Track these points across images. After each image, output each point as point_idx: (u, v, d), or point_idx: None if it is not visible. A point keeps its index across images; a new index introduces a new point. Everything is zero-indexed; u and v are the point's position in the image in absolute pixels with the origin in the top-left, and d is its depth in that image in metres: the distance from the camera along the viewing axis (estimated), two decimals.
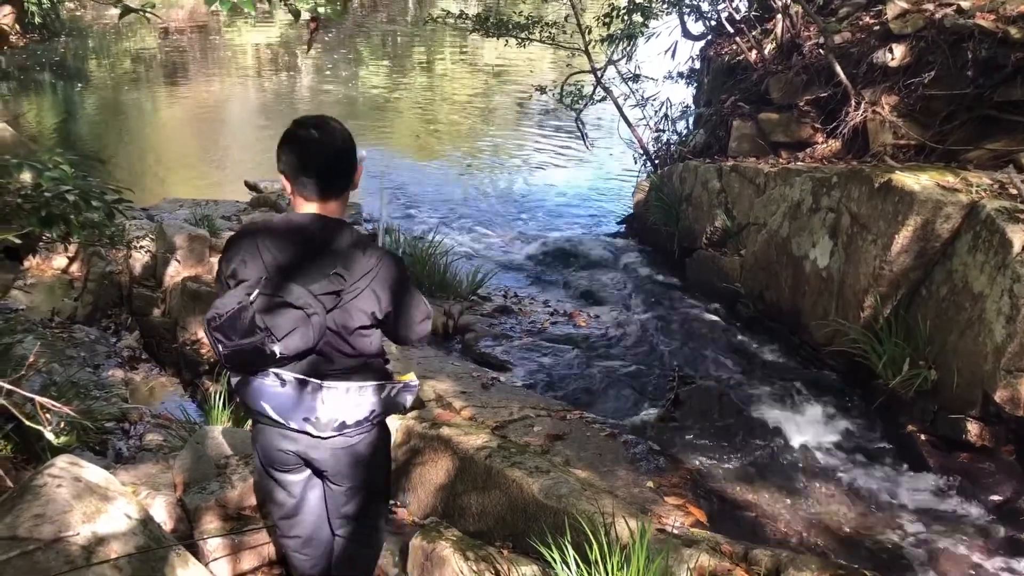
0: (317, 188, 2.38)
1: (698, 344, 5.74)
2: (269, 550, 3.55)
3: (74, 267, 7.56)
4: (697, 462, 4.36)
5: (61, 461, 2.91)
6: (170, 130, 15.73)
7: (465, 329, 5.96)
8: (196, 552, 3.47)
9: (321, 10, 2.45)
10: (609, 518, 3.46)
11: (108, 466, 4.45)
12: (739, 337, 5.83)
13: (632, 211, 8.83)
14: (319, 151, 2.37)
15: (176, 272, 6.93)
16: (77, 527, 2.60)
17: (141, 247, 6.91)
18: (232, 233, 2.49)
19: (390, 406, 2.54)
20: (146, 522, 2.87)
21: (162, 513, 3.62)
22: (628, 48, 8.83)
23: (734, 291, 6.35)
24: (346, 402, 2.41)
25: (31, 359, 5.75)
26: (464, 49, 21.36)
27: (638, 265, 7.63)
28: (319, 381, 2.37)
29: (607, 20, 8.38)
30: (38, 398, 2.01)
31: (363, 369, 2.47)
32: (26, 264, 7.35)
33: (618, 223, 9.19)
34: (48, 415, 3.80)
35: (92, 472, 2.95)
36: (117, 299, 7.33)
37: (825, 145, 6.70)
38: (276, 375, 2.36)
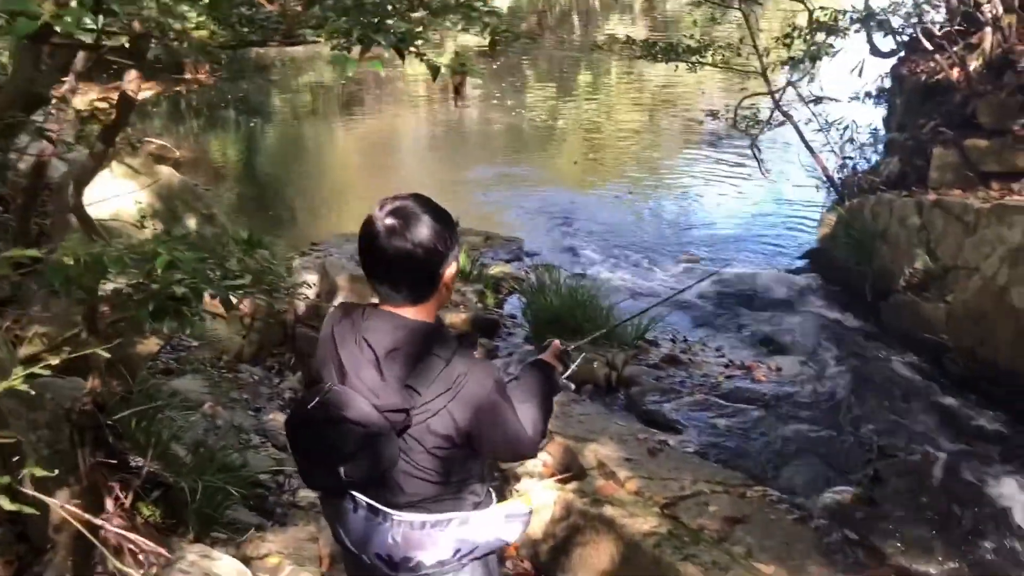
0: (385, 295, 1.97)
1: (898, 406, 5.05)
2: None
3: (243, 304, 7.68)
4: (904, 557, 3.73)
5: (191, 554, 2.72)
6: (342, 162, 16.18)
7: (629, 382, 5.52)
8: None
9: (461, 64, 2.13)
10: None
11: (261, 525, 4.34)
12: (947, 400, 5.09)
13: (816, 246, 8.10)
14: (385, 257, 1.91)
15: None
16: None
17: (302, 294, 6.88)
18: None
19: (484, 544, 2.05)
20: None
21: None
22: (810, 68, 8.13)
23: (938, 343, 5.59)
24: (422, 539, 1.96)
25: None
26: (631, 72, 20.91)
27: (824, 308, 6.92)
28: (390, 511, 1.93)
29: (787, 42, 7.74)
30: (147, 543, 1.75)
31: (443, 498, 2.00)
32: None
33: (799, 258, 8.47)
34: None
35: (223, 565, 2.74)
36: (282, 338, 7.36)
37: None
38: (351, 497, 1.95)
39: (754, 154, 9.17)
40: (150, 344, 5.29)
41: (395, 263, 1.91)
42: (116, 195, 5.31)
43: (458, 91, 2.52)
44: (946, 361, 5.53)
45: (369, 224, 1.93)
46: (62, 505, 2.58)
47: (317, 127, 18.50)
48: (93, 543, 3.15)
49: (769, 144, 10.74)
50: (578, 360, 2.65)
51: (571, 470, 4.42)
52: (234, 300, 2.82)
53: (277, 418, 6.17)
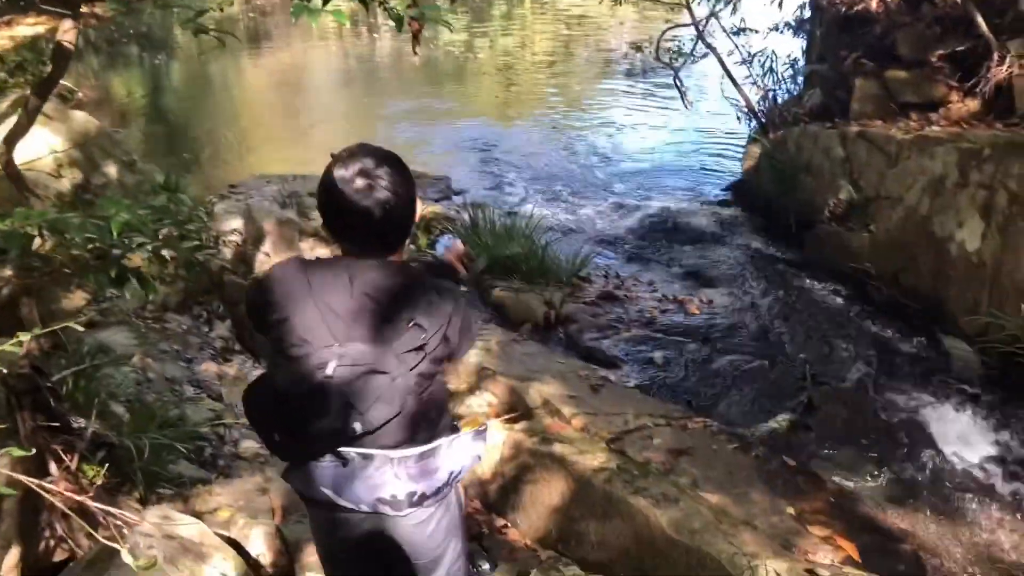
0: (358, 249, 1.94)
1: (826, 334, 5.23)
2: None
3: (165, 252, 7.43)
4: (840, 481, 3.91)
5: (152, 516, 2.67)
6: (254, 101, 15.65)
7: (568, 320, 5.57)
8: None
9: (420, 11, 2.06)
10: (752, 559, 3.08)
11: (205, 479, 4.28)
12: (872, 327, 5.28)
13: (740, 178, 8.24)
14: (360, 219, 1.89)
15: (265, 259, 6.71)
16: None
17: (230, 240, 6.69)
18: (262, 280, 2.01)
19: (467, 461, 2.11)
20: None
21: (261, 545, 3.37)
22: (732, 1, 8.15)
23: (863, 271, 5.79)
24: (421, 470, 2.00)
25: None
26: (544, 2, 20.67)
27: (750, 239, 7.07)
28: (387, 453, 1.95)
29: None
30: (113, 509, 1.71)
31: (434, 425, 2.06)
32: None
33: (723, 190, 8.60)
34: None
35: (185, 527, 2.70)
36: (209, 286, 7.17)
37: (962, 105, 6.03)
38: (335, 454, 1.94)
39: (677, 86, 9.19)
40: (76, 299, 5.11)
41: (371, 223, 1.90)
42: (27, 142, 5.01)
43: (416, 38, 2.44)
44: (870, 289, 5.73)
45: (335, 188, 1.88)
46: (9, 474, 2.49)
47: (225, 62, 17.78)
48: (39, 509, 3.07)
49: (690, 77, 10.82)
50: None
51: (517, 410, 4.46)
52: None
53: (209, 368, 6.06)
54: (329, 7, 2.04)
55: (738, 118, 8.90)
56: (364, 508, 1.99)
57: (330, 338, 1.86)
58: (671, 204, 8.29)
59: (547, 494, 3.77)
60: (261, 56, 18.04)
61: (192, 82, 16.64)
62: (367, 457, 1.94)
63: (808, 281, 6.08)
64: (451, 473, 2.06)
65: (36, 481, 1.82)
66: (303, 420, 1.88)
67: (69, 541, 3.12)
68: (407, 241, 2.06)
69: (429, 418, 2.03)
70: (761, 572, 3.03)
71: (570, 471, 3.72)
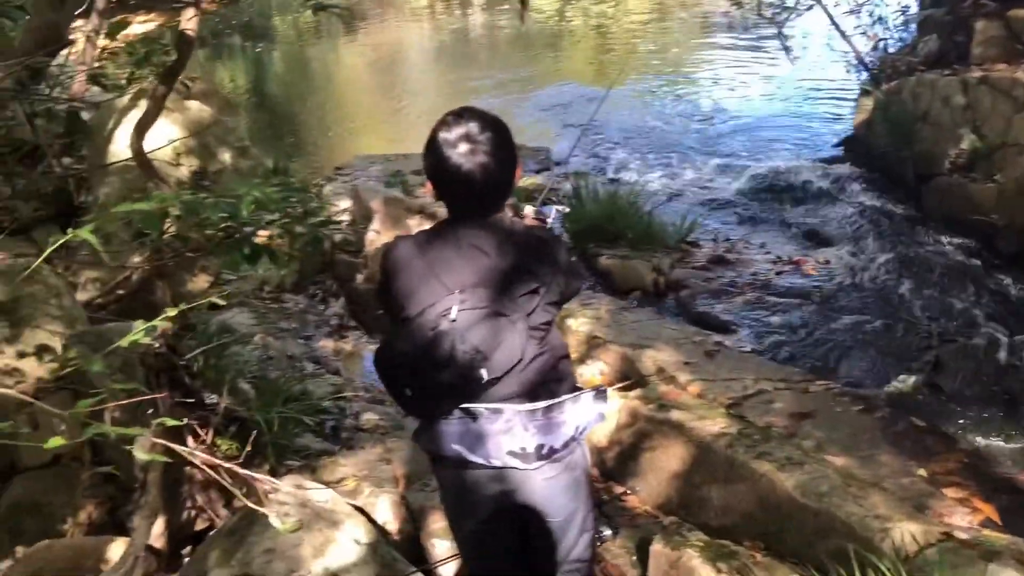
0: (467, 209, 2.07)
1: (952, 291, 5.01)
2: None
3: (296, 228, 7.66)
4: (974, 441, 3.75)
5: (287, 484, 2.77)
6: (353, 82, 15.91)
7: (678, 286, 5.49)
8: (423, 551, 3.31)
9: None
10: (884, 522, 2.99)
11: (329, 450, 4.42)
12: (1002, 278, 5.03)
13: (852, 133, 7.93)
14: (465, 174, 1.99)
15: (375, 237, 6.84)
16: (308, 563, 2.43)
17: (340, 221, 6.82)
18: (385, 251, 2.18)
19: (592, 418, 2.16)
20: (376, 547, 2.69)
21: (387, 513, 3.47)
22: None
23: (988, 224, 5.51)
24: (548, 423, 2.06)
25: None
26: None
27: (866, 196, 6.79)
28: (514, 406, 2.03)
29: None
30: (259, 476, 1.79)
31: (557, 380, 2.13)
32: None
33: (835, 147, 8.29)
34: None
35: (318, 494, 2.80)
36: (322, 266, 7.37)
37: None
38: (463, 411, 2.04)
39: (781, 42, 8.91)
40: (200, 282, 5.32)
41: (473, 186, 2.00)
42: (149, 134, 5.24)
43: (524, 5, 2.44)
44: (997, 241, 5.45)
45: (440, 151, 2.00)
46: (153, 441, 2.62)
47: (322, 47, 18.14)
48: (180, 482, 3.24)
49: (794, 31, 10.45)
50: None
51: (630, 378, 4.44)
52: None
53: (327, 344, 6.24)
54: None
55: (847, 71, 8.57)
56: (494, 463, 2.06)
57: (447, 289, 1.96)
58: (779, 163, 8.03)
59: (666, 460, 3.75)
60: (357, 38, 18.30)
61: (292, 68, 17.03)
62: (496, 411, 2.02)
63: (929, 236, 5.83)
64: (577, 428, 2.12)
65: (185, 448, 1.91)
66: (432, 368, 1.95)
67: (208, 511, 3.29)
68: (507, 202, 2.14)
69: (550, 371, 2.10)
70: (895, 535, 2.93)
71: (690, 437, 3.68)
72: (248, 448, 3.67)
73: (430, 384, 1.98)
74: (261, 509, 1.67)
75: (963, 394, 4.07)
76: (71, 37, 5.31)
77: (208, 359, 3.65)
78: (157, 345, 3.14)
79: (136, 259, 3.98)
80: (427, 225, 6.65)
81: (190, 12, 2.49)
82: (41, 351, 3.48)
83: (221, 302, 6.40)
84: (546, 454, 2.08)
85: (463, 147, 1.98)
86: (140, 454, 1.63)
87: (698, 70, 12.22)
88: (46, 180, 4.46)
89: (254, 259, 2.09)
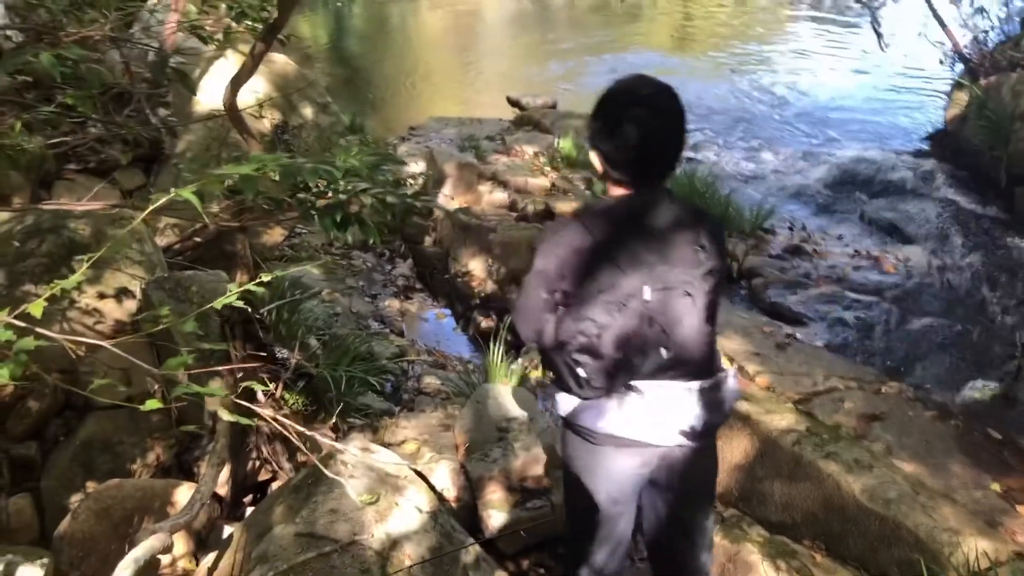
0: (642, 175, 2.01)
1: None
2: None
3: (389, 198, 7.70)
4: None
5: (354, 446, 2.79)
6: (432, 42, 15.87)
7: (751, 273, 5.37)
8: (480, 521, 3.32)
9: None
10: (953, 535, 2.90)
11: (390, 410, 4.45)
12: None
13: (943, 127, 7.64)
14: (657, 142, 1.97)
15: (446, 201, 6.84)
16: (371, 527, 2.45)
17: (414, 182, 6.83)
18: (550, 231, 2.13)
19: (735, 399, 2.19)
20: (436, 515, 2.70)
21: (446, 480, 3.48)
22: None
23: None
24: (712, 401, 2.09)
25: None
26: None
27: (953, 193, 6.55)
28: (684, 384, 2.05)
29: None
30: (325, 440, 1.79)
31: (713, 359, 2.15)
32: None
33: (923, 140, 8.01)
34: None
35: (382, 457, 2.82)
36: (393, 225, 7.39)
37: None
38: (628, 387, 2.04)
39: (874, 27, 8.63)
40: (275, 234, 5.39)
41: (675, 144, 2.01)
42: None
43: None
44: None
45: (636, 113, 1.95)
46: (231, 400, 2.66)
47: (403, 5, 18.11)
48: (247, 432, 3.29)
49: (888, 17, 10.09)
50: None
51: None
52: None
53: (392, 304, 6.28)
54: None
55: (941, 62, 8.24)
56: (663, 442, 2.07)
57: (631, 272, 1.95)
58: (864, 153, 7.79)
59: (730, 452, 3.69)
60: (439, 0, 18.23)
61: (373, 25, 17.05)
62: (669, 389, 2.03)
63: (1019, 241, 5.61)
64: (727, 406, 2.15)
65: (256, 411, 1.93)
66: (615, 347, 1.97)
67: (272, 463, 3.34)
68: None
69: (712, 347, 2.13)
70: (965, 549, 2.85)
71: (755, 430, 3.62)
72: (311, 405, 3.76)
73: (608, 363, 1.99)
74: (337, 477, 1.67)
75: None
76: None
77: (280, 313, 3.69)
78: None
79: (216, 210, 4.04)
80: (498, 193, 6.59)
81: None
82: (121, 294, 3.56)
83: (290, 253, 6.51)
84: (710, 431, 2.13)
85: (643, 112, 1.96)
86: (224, 414, 1.63)
87: (784, 49, 11.90)
88: (132, 124, 4.53)
89: (344, 226, 2.08)
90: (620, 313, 1.94)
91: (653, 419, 2.05)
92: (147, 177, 5.17)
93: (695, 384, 2.05)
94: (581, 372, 2.02)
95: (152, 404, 1.52)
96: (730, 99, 10.07)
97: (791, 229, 6.30)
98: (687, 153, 8.15)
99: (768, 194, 6.87)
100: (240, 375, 3.18)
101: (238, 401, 1.94)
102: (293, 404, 3.69)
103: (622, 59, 11.79)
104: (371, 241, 6.60)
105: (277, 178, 1.63)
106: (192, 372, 1.77)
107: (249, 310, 3.22)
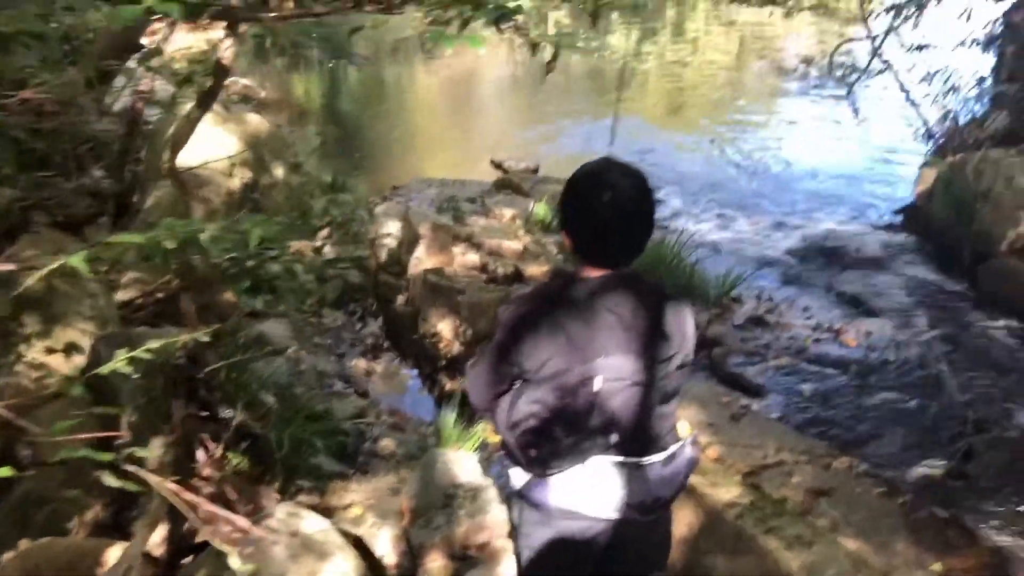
0: (610, 258, 2.05)
1: (995, 376, 4.85)
2: None
3: (327, 249, 7.77)
4: (998, 538, 3.60)
5: (281, 512, 2.78)
6: (423, 105, 16.09)
7: (713, 343, 5.40)
8: None
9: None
10: None
11: (344, 473, 4.43)
12: None
13: (913, 202, 7.76)
14: (615, 221, 2.00)
15: (419, 261, 6.89)
16: None
17: (385, 243, 6.87)
18: (512, 305, 2.14)
19: (693, 467, 2.21)
20: None
21: (387, 546, 3.47)
22: (913, 15, 7.71)
23: None
24: (665, 475, 2.10)
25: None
26: (718, 15, 20.16)
27: (919, 269, 6.63)
28: (637, 460, 2.06)
29: None
30: (229, 515, 1.79)
31: (667, 434, 2.15)
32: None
33: (894, 214, 8.12)
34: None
35: (311, 523, 2.80)
36: (364, 285, 7.43)
37: None
38: (584, 464, 2.06)
39: (850, 103, 8.82)
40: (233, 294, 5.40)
41: (641, 228, 2.04)
42: (205, 142, 5.38)
43: (552, 62, 2.47)
44: None
45: (594, 199, 1.99)
46: (160, 480, 2.65)
47: (397, 67, 18.39)
48: (188, 489, 3.26)
49: (866, 93, 10.33)
50: None
51: None
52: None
53: (359, 364, 6.28)
54: (467, 33, 2.09)
55: (914, 138, 8.41)
56: (612, 516, 2.08)
57: (584, 358, 1.96)
58: (835, 226, 7.91)
59: (676, 525, 3.65)
60: (434, 64, 18.53)
61: (367, 86, 17.27)
62: (618, 465, 2.04)
63: (980, 318, 5.67)
64: (685, 477, 2.18)
65: (173, 487, 1.93)
66: (564, 432, 2.00)
67: (211, 525, 3.30)
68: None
69: (668, 422, 2.13)
70: None
71: (700, 503, 3.61)
72: (257, 466, 3.73)
73: (558, 446, 2.03)
74: (225, 547, 1.67)
75: (993, 488, 3.92)
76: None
77: (230, 372, 3.69)
78: (178, 355, 3.19)
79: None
80: (471, 255, 6.65)
81: (228, 41, 2.55)
82: (70, 348, 3.57)
83: (260, 308, 6.51)
84: (663, 505, 2.14)
85: (631, 190, 2.00)
86: (108, 479, 1.63)
87: (764, 124, 12.10)
88: (103, 180, 4.58)
89: (254, 292, 2.11)
90: (571, 398, 1.98)
91: (603, 494, 2.06)
92: (113, 232, 5.20)
93: (646, 459, 2.06)
94: (532, 452, 2.06)
95: (4, 472, 1.52)
96: (707, 168, 10.22)
97: (758, 299, 6.34)
98: (665, 221, 8.31)
99: (738, 264, 6.92)
100: (177, 435, 3.17)
101: (127, 467, 1.93)
102: (238, 464, 3.66)
103: (604, 125, 11.99)
104: (325, 295, 6.60)
105: (172, 246, 1.67)
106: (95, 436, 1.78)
107: (193, 369, 3.22)
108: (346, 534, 3.28)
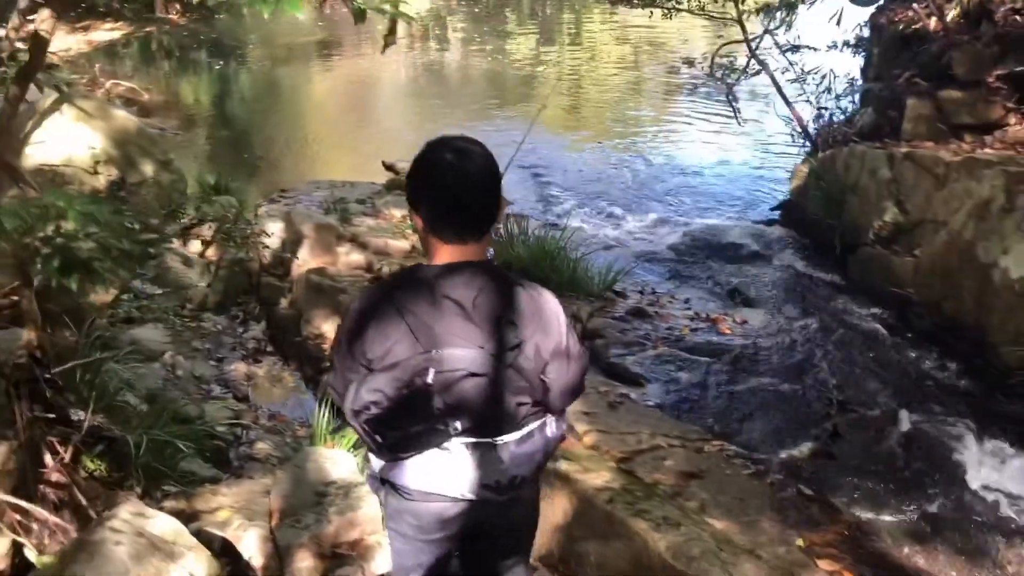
0: (459, 228, 1.99)
1: (861, 360, 5.03)
2: None
3: (210, 252, 7.54)
4: (858, 512, 3.74)
5: (125, 511, 2.66)
6: (315, 107, 15.87)
7: (594, 334, 5.45)
8: None
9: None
10: None
11: (216, 477, 4.29)
12: (910, 353, 5.07)
13: (789, 198, 8.02)
14: (461, 184, 1.98)
15: (303, 262, 6.75)
16: None
17: (266, 245, 6.72)
18: (358, 298, 2.11)
19: (554, 444, 2.18)
20: None
21: (253, 548, 3.35)
22: (787, 17, 7.97)
23: (905, 297, 5.57)
24: (520, 455, 2.06)
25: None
26: (614, 17, 20.46)
27: (793, 261, 6.86)
28: (489, 440, 2.02)
29: None
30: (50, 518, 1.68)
31: (532, 413, 2.09)
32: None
33: (772, 210, 8.39)
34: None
35: (159, 523, 2.68)
36: (247, 287, 7.25)
37: (1019, 128, 5.78)
38: (438, 447, 2.02)
39: (730, 103, 9.05)
40: (105, 294, 5.18)
41: (476, 190, 1.98)
42: (67, 139, 5.15)
43: (390, 33, 2.43)
44: (912, 316, 5.50)
45: (438, 161, 1.98)
46: None
47: (292, 70, 18.08)
48: (32, 499, 3.10)
49: (747, 94, 10.63)
50: None
51: None
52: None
53: (239, 368, 6.11)
54: None
55: (792, 138, 8.69)
56: (468, 496, 2.05)
57: (421, 346, 1.92)
58: (717, 221, 8.13)
59: (551, 512, 3.67)
60: (330, 65, 18.28)
61: (259, 89, 16.92)
62: (470, 446, 2.00)
63: (849, 305, 5.88)
64: (546, 454, 2.14)
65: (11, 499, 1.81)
66: (404, 421, 1.95)
67: (58, 533, 3.14)
68: (491, 231, 2.09)
69: (524, 407, 2.05)
70: None
71: (574, 489, 3.63)
72: (117, 471, 3.57)
73: (401, 434, 1.98)
74: (22, 540, 1.56)
75: (856, 465, 4.06)
76: None
77: (84, 373, 3.52)
78: (19, 356, 3.01)
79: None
80: (356, 255, 6.57)
81: (46, 12, 2.42)
82: None
83: (135, 313, 6.28)
84: (519, 484, 2.09)
85: (453, 154, 1.98)
86: None
87: (652, 126, 12.38)
88: None
89: (67, 271, 2.00)
90: (407, 389, 1.92)
91: (457, 475, 2.03)
92: None
93: (500, 439, 2.02)
94: (378, 439, 2.00)
95: None
96: (600, 172, 10.37)
97: (641, 292, 6.45)
98: (555, 219, 8.40)
99: (623, 258, 7.02)
100: (22, 439, 3.00)
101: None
102: (95, 470, 3.50)
103: (502, 134, 12.06)
104: (206, 299, 6.40)
105: None
106: None
107: (37, 370, 3.05)
108: (208, 536, 3.18)
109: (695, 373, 4.97)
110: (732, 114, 9.18)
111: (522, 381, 2.00)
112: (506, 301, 1.99)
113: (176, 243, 7.24)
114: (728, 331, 5.54)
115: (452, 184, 1.97)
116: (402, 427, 1.97)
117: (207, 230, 7.28)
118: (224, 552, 3.40)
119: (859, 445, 4.18)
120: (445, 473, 2.03)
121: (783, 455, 4.17)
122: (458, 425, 1.97)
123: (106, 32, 17.97)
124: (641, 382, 4.91)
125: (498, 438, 2.03)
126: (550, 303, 2.08)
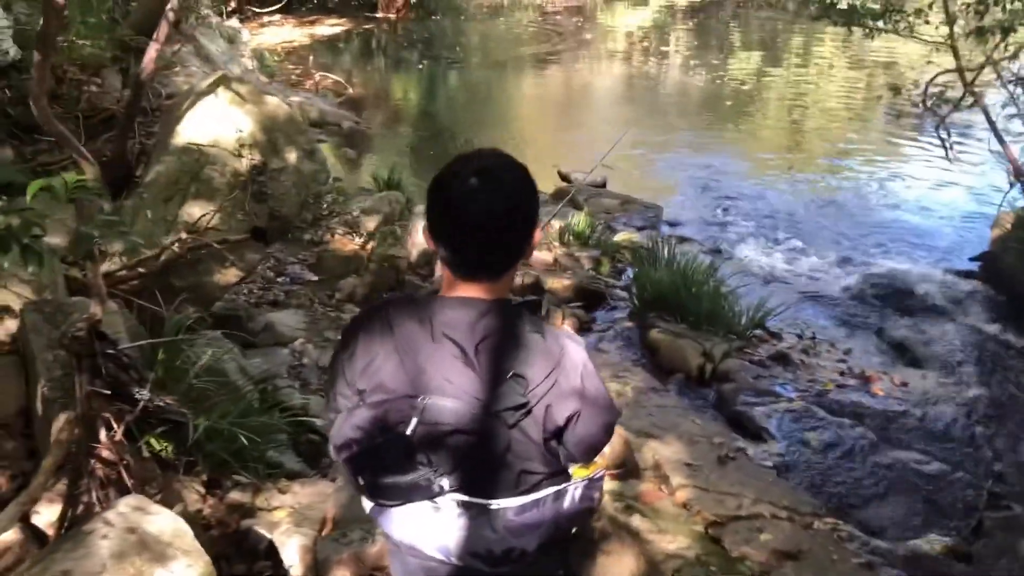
0: (472, 267, 1.66)
1: None
2: None
3: (369, 246, 7.64)
4: None
5: (125, 504, 2.56)
6: (516, 113, 15.93)
7: (725, 377, 4.96)
8: None
9: None
10: None
11: (302, 472, 4.20)
12: None
13: (990, 248, 7.06)
14: (477, 214, 1.61)
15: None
16: None
17: (418, 243, 6.63)
18: (364, 309, 1.88)
19: (575, 517, 1.75)
20: None
21: (293, 556, 3.22)
22: (1005, 43, 7.01)
23: None
24: (521, 523, 1.69)
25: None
26: (847, 42, 19.19)
27: (982, 320, 5.99)
28: (484, 502, 1.68)
29: (980, 7, 6.66)
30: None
31: (542, 479, 1.73)
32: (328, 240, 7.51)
33: (971, 260, 7.42)
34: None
35: (159, 521, 2.56)
36: (395, 283, 7.26)
37: None
38: (429, 499, 1.71)
39: (940, 137, 8.14)
40: (228, 275, 5.29)
41: (492, 223, 1.63)
42: (219, 120, 5.28)
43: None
44: None
45: (455, 183, 1.63)
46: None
47: (504, 74, 18.30)
48: (81, 474, 3.11)
49: (965, 128, 9.58)
50: None
51: (625, 466, 3.99)
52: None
53: None
54: None
55: (1010, 182, 7.68)
56: (453, 561, 1.73)
57: (411, 387, 1.64)
58: (904, 266, 7.29)
59: (616, 570, 3.30)
60: (540, 72, 18.35)
61: (465, 91, 17.23)
62: (460, 505, 1.69)
63: None
64: (559, 527, 1.73)
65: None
66: (383, 471, 1.67)
67: (99, 507, 3.13)
68: (522, 260, 1.74)
69: (532, 475, 1.71)
70: None
71: (642, 550, 3.24)
72: (184, 455, 3.54)
73: (379, 480, 1.69)
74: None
75: (998, 568, 3.38)
76: None
77: (161, 353, 3.52)
78: (78, 329, 3.03)
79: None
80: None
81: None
82: (3, 312, 3.47)
83: (281, 298, 6.40)
84: (517, 558, 1.72)
85: (474, 181, 1.62)
86: None
87: (852, 155, 11.45)
88: (109, 147, 4.53)
89: (2, 249, 1.89)
90: (383, 438, 1.64)
91: (440, 535, 1.71)
92: (114, 201, 5.16)
93: (495, 503, 1.68)
94: (360, 480, 1.72)
95: None
96: (785, 200, 9.67)
97: (800, 336, 5.84)
98: (724, 246, 7.87)
99: (785, 296, 6.42)
100: (80, 412, 3.01)
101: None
102: (161, 450, 3.48)
103: (693, 154, 11.58)
104: (355, 291, 6.37)
105: None
106: None
107: (97, 344, 3.05)
108: (256, 537, 3.11)
109: (828, 435, 4.38)
110: (943, 148, 8.25)
111: (529, 445, 1.66)
112: (517, 351, 1.64)
113: (341, 232, 7.39)
114: (880, 392, 4.86)
115: (457, 213, 1.62)
116: (380, 476, 1.67)
117: (371, 222, 7.39)
118: (268, 555, 3.31)
119: (1005, 548, 3.49)
120: (429, 531, 1.71)
121: (911, 546, 3.55)
122: (444, 484, 1.65)
123: (329, 27, 19.02)
124: (764, 437, 4.39)
125: (492, 501, 1.68)
126: (573, 356, 1.70)
